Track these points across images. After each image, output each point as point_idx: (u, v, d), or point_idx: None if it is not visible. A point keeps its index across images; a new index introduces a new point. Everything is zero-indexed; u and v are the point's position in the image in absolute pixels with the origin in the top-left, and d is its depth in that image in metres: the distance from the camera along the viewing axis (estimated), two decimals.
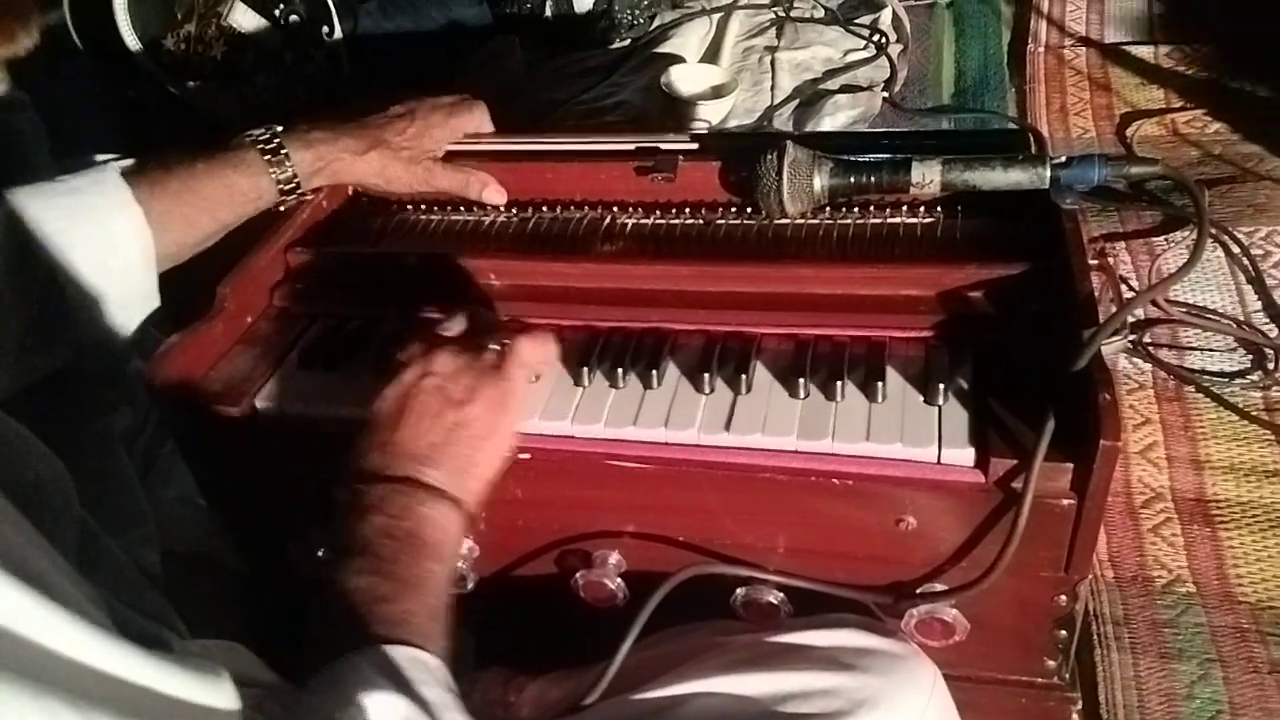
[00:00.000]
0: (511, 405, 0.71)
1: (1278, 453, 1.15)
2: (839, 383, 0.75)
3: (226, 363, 0.87)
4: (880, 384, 0.74)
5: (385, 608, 0.59)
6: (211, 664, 0.49)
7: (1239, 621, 1.01)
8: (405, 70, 1.72)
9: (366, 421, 0.69)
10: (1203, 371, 1.24)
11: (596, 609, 0.82)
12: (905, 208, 0.89)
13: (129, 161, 0.88)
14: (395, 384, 0.69)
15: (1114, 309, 0.76)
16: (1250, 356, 1.25)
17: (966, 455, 0.70)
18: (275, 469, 0.85)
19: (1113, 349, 0.71)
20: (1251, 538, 1.08)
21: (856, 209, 0.90)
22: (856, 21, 1.87)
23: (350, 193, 1.03)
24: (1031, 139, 0.93)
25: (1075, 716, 0.86)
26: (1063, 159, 0.81)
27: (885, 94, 1.73)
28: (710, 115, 1.62)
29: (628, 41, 1.90)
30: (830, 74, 1.77)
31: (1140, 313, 1.28)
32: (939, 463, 0.71)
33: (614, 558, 0.82)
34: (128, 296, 0.84)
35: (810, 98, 1.72)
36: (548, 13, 1.92)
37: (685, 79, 1.66)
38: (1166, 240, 1.40)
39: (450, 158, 1.00)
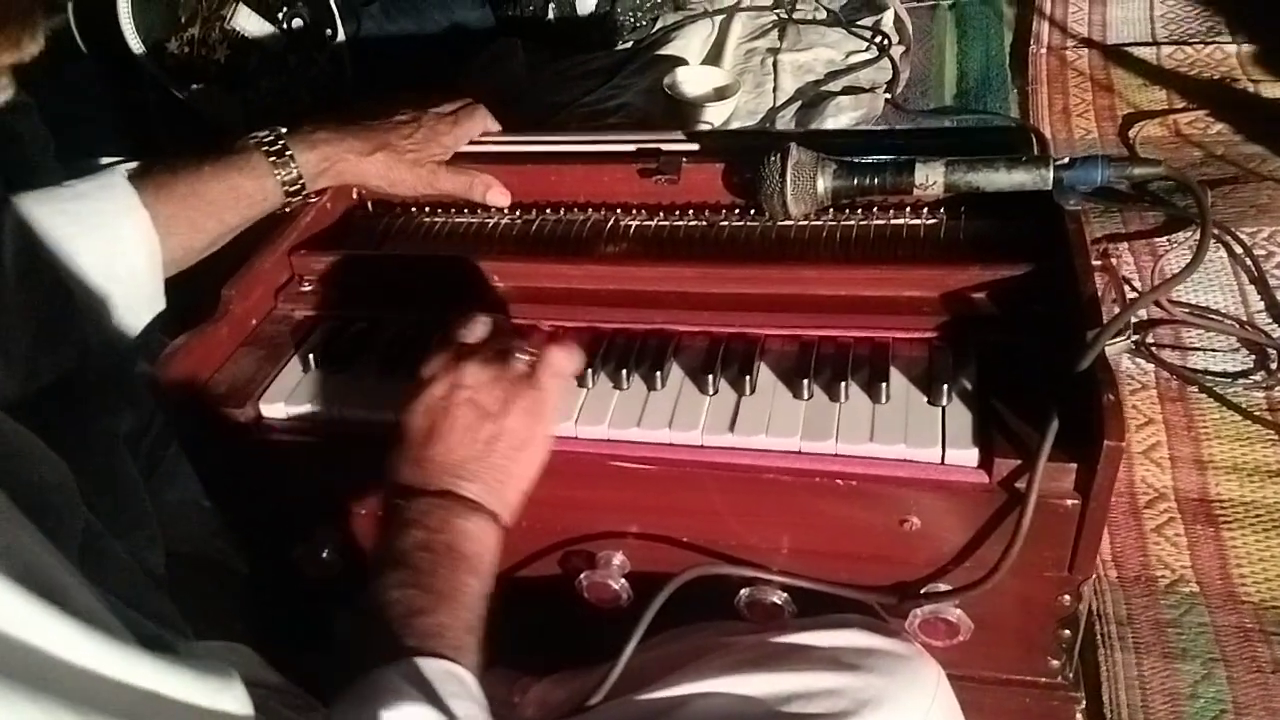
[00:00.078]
0: (546, 414, 0.70)
1: None
2: (843, 384, 0.75)
3: (231, 365, 0.87)
4: (884, 385, 0.74)
5: (421, 620, 0.58)
6: (222, 666, 0.49)
7: (1242, 621, 1.01)
8: (408, 73, 1.72)
9: (397, 436, 0.68)
10: (1206, 372, 1.24)
11: (601, 610, 0.83)
12: (909, 209, 0.89)
13: (134, 165, 0.88)
14: (425, 398, 0.67)
15: (1117, 310, 0.76)
16: (1253, 357, 1.25)
17: (970, 456, 0.71)
18: (279, 471, 0.85)
19: (1116, 350, 0.72)
20: (1255, 538, 1.08)
21: (860, 210, 0.90)
22: (859, 23, 1.87)
23: (354, 195, 1.03)
24: (1034, 140, 0.93)
25: (1079, 716, 0.86)
26: (1065, 160, 0.81)
27: (887, 95, 1.73)
28: (713, 117, 1.62)
29: (630, 44, 1.90)
30: (832, 75, 1.77)
31: (1143, 313, 1.28)
32: (943, 463, 0.71)
33: (618, 558, 0.82)
34: (134, 300, 0.84)
35: (813, 99, 1.72)
36: (550, 15, 1.92)
37: (688, 81, 1.66)
38: (1169, 241, 1.40)
39: (454, 160, 1.00)
